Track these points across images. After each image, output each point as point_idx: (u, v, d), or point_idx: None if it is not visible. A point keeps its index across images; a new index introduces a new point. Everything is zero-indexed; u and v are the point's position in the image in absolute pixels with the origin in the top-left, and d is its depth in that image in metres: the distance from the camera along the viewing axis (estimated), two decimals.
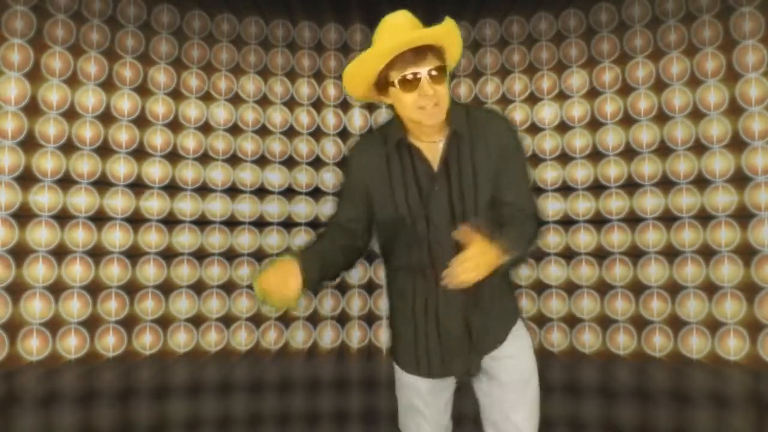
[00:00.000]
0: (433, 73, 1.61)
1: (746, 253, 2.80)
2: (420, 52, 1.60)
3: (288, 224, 3.30)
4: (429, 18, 1.72)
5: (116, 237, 3.00)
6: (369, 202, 1.79)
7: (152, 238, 3.08)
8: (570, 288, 3.18)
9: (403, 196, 1.73)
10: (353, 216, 1.81)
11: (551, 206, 3.22)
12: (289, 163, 3.32)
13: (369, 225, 1.84)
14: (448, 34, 1.65)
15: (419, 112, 1.63)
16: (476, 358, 1.77)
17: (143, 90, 3.10)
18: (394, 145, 1.74)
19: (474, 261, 1.53)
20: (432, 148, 1.73)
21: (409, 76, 1.61)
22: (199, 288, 3.15)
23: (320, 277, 1.65)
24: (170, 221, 3.11)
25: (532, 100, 3.29)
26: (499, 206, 1.73)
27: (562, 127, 3.23)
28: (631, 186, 3.07)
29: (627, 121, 3.10)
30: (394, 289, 1.85)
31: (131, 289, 3.02)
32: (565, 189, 3.20)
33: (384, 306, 3.33)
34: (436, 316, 1.77)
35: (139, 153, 3.07)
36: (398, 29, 1.64)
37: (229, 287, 3.20)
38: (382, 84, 1.66)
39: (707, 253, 2.88)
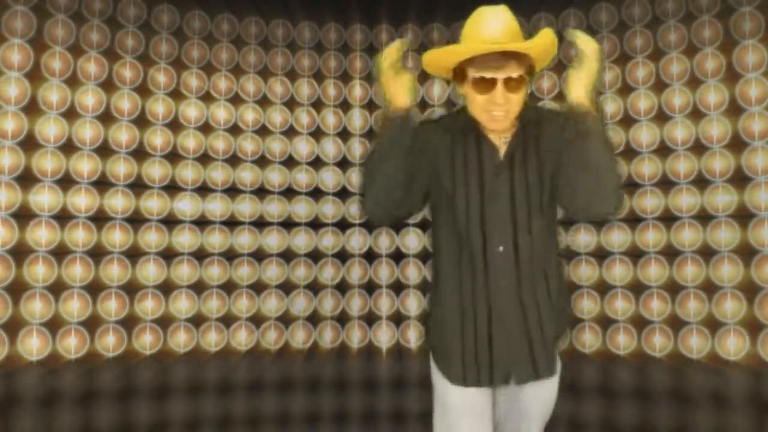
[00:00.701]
0: (511, 81, 1.57)
1: (746, 253, 2.79)
2: (503, 58, 1.56)
3: (288, 224, 3.30)
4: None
5: (116, 237, 3.00)
6: (427, 165, 1.70)
7: (152, 238, 3.08)
8: (570, 288, 3.17)
9: (463, 184, 1.68)
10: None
11: None
12: (289, 163, 3.32)
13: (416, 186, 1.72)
14: (539, 48, 1.60)
15: (484, 114, 1.61)
16: (541, 355, 1.68)
17: (143, 90, 3.10)
18: (460, 129, 1.71)
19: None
20: (498, 141, 1.70)
21: (485, 79, 1.57)
22: (199, 288, 3.15)
23: (402, 144, 1.63)
24: (170, 221, 3.11)
25: (533, 99, 3.28)
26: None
27: None
28: (631, 186, 3.07)
29: (627, 121, 3.10)
30: (441, 281, 1.76)
31: (131, 289, 3.02)
32: None
33: (384, 306, 3.33)
34: (488, 306, 1.67)
35: (139, 153, 3.07)
36: (487, 31, 1.60)
37: (229, 287, 3.20)
38: (460, 74, 1.64)
39: (707, 253, 2.88)
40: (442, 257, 1.74)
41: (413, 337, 3.30)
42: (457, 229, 1.68)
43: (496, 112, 1.59)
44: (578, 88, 1.57)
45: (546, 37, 1.61)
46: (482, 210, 1.66)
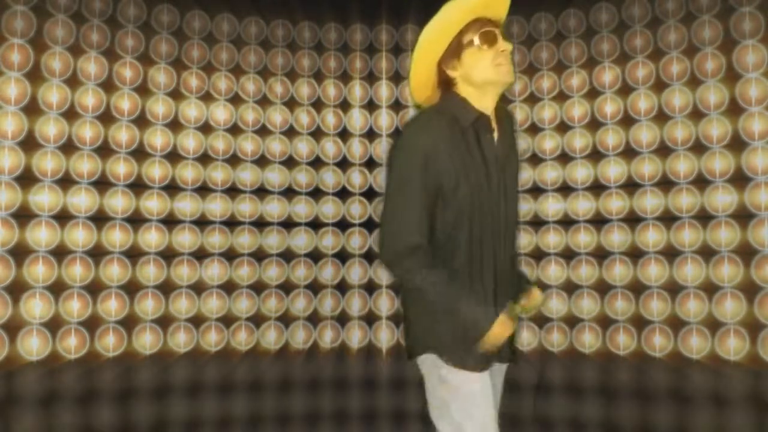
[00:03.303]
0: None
1: (746, 253, 2.80)
2: (493, 21, 1.68)
3: (288, 224, 3.30)
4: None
5: (116, 237, 3.00)
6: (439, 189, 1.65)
7: (152, 238, 3.08)
8: (570, 288, 3.18)
9: (476, 180, 1.65)
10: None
11: (551, 206, 3.22)
12: (289, 163, 3.32)
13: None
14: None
15: (497, 69, 1.64)
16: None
17: (143, 90, 3.10)
18: (470, 123, 1.67)
19: None
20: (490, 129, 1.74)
21: (489, 32, 1.65)
22: (199, 288, 3.15)
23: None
24: (170, 221, 3.12)
25: (532, 100, 3.28)
26: None
27: (562, 127, 3.23)
28: (631, 186, 3.07)
29: (627, 121, 3.10)
30: (454, 271, 1.68)
31: (131, 289, 3.03)
32: (565, 189, 3.20)
33: (384, 306, 3.33)
34: (495, 297, 1.70)
35: (139, 153, 3.07)
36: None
37: (229, 287, 3.20)
38: (453, 51, 1.66)
39: (707, 253, 2.88)
40: (454, 259, 1.67)
41: None
42: (473, 224, 1.66)
43: (504, 63, 1.64)
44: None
45: None
46: (492, 202, 1.69)
